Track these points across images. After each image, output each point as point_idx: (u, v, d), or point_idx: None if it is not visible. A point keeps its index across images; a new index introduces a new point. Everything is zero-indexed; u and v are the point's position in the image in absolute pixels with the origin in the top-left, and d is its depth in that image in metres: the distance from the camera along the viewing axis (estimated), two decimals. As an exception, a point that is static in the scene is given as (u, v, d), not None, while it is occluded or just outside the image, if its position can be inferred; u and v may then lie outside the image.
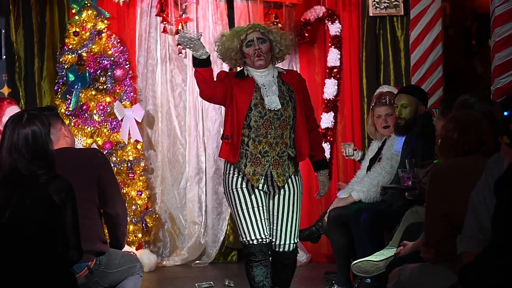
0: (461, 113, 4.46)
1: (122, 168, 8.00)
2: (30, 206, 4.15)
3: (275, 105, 5.43)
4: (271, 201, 5.54)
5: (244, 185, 5.48)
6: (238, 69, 5.75)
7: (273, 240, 5.55)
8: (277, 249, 5.56)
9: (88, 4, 8.11)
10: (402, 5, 8.27)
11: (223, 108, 8.27)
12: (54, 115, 4.97)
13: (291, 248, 5.57)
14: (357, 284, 6.64)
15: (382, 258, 5.74)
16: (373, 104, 7.08)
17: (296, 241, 5.58)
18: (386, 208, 6.51)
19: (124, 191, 7.92)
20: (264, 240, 5.48)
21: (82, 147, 7.67)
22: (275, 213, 5.54)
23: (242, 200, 5.47)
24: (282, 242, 5.55)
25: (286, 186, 5.52)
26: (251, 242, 5.48)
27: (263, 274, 5.52)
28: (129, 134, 8.07)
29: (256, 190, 5.48)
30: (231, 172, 5.52)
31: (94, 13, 8.12)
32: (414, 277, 4.34)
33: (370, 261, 5.76)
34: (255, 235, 5.47)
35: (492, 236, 3.36)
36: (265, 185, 5.50)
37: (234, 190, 5.49)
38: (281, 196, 5.53)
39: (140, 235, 8.07)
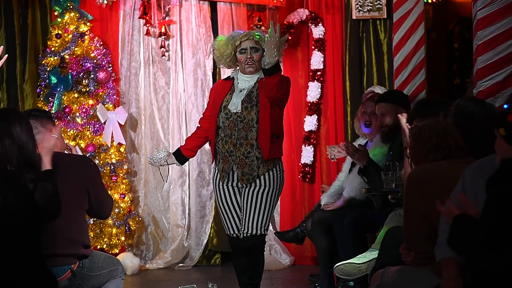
0: (434, 120, 4.48)
1: (105, 171, 7.97)
2: (14, 206, 4.14)
3: (234, 108, 5.78)
4: (244, 193, 5.83)
5: (220, 183, 5.90)
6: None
7: (240, 227, 5.85)
8: (240, 237, 5.83)
9: (71, 7, 8.08)
10: (385, 8, 8.29)
11: (206, 111, 8.34)
12: (45, 117, 4.96)
13: (252, 233, 5.77)
14: (340, 286, 6.65)
15: (364, 261, 5.75)
16: (365, 99, 7.11)
17: (259, 232, 5.79)
18: (369, 211, 6.52)
19: (107, 194, 7.89)
20: (237, 235, 5.85)
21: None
22: (244, 204, 5.82)
23: (219, 197, 5.92)
24: (245, 230, 5.80)
25: (257, 181, 5.80)
26: (229, 235, 5.92)
27: (242, 264, 5.84)
28: (112, 137, 8.06)
29: (230, 187, 5.86)
30: (214, 169, 5.95)
31: (77, 15, 8.09)
32: (396, 279, 4.35)
33: (353, 264, 5.78)
34: (229, 230, 5.90)
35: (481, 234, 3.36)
36: (238, 182, 5.83)
37: (215, 187, 5.94)
38: (252, 189, 5.81)
39: (123, 238, 8.05)
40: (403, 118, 5.50)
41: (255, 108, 5.76)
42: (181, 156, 6.05)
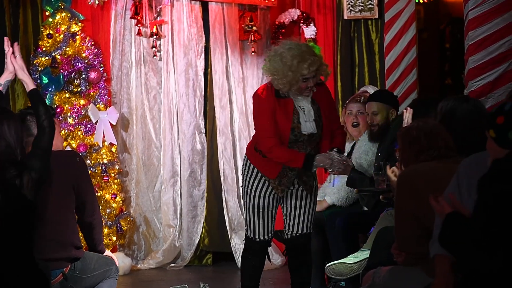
0: (422, 120, 4.49)
1: (96, 171, 7.97)
2: (2, 202, 4.14)
3: (312, 131, 5.66)
4: (289, 195, 5.80)
5: (260, 188, 5.75)
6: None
7: (286, 230, 5.88)
8: (288, 237, 5.88)
9: (62, 7, 8.07)
10: (377, 8, 8.30)
11: (198, 111, 8.32)
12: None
13: (302, 232, 5.83)
14: (331, 286, 6.66)
15: (356, 261, 5.76)
16: (347, 102, 7.11)
17: (308, 231, 5.86)
18: (361, 211, 6.53)
19: (99, 194, 7.89)
20: (265, 240, 5.84)
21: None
22: (291, 206, 5.82)
23: (256, 203, 5.76)
24: (294, 231, 5.84)
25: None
26: (253, 238, 5.84)
27: (254, 265, 5.90)
28: (104, 137, 8.05)
29: (271, 195, 5.76)
30: (252, 173, 5.78)
31: (68, 15, 8.08)
32: (387, 279, 4.36)
33: (344, 264, 5.79)
34: (259, 235, 5.82)
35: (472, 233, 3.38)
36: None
37: (251, 191, 5.78)
38: (295, 191, 5.80)
39: (114, 238, 8.04)
40: (410, 115, 5.40)
41: (320, 123, 5.69)
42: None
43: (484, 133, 3.69)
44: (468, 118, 4.65)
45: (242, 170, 5.89)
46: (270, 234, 5.85)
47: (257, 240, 5.84)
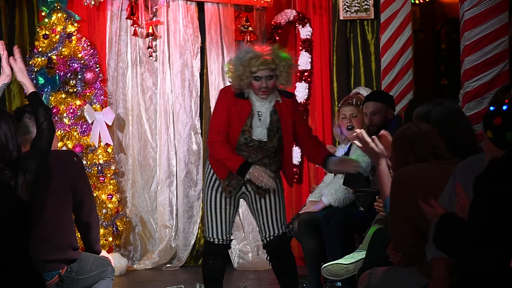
0: (407, 125, 4.49)
1: (92, 171, 7.96)
2: None
3: (262, 138, 5.62)
4: (254, 200, 5.75)
5: (216, 187, 5.74)
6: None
7: (261, 234, 5.81)
8: (265, 242, 5.80)
9: (58, 7, 8.06)
10: (373, 9, 8.30)
11: (194, 111, 8.33)
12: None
13: (275, 234, 5.74)
14: (327, 287, 6.66)
15: (352, 261, 5.77)
16: (339, 105, 7.11)
17: (281, 231, 5.77)
18: (357, 211, 6.53)
19: (95, 195, 7.87)
20: (225, 241, 5.77)
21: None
22: (258, 210, 5.76)
23: (213, 200, 5.74)
24: (267, 234, 5.76)
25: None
26: (212, 240, 5.77)
27: (215, 269, 5.82)
28: (100, 137, 8.04)
29: (232, 198, 5.74)
30: (210, 172, 5.78)
31: (64, 16, 8.07)
32: (383, 280, 4.36)
33: (340, 264, 5.80)
34: (217, 235, 5.76)
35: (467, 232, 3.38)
36: (244, 190, 5.74)
37: (210, 189, 5.75)
38: (258, 194, 5.74)
39: (110, 239, 8.04)
40: (364, 134, 5.11)
41: (277, 135, 5.65)
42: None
43: (463, 133, 3.72)
44: (442, 121, 4.65)
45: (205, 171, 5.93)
46: (228, 236, 5.77)
47: (215, 242, 5.75)
